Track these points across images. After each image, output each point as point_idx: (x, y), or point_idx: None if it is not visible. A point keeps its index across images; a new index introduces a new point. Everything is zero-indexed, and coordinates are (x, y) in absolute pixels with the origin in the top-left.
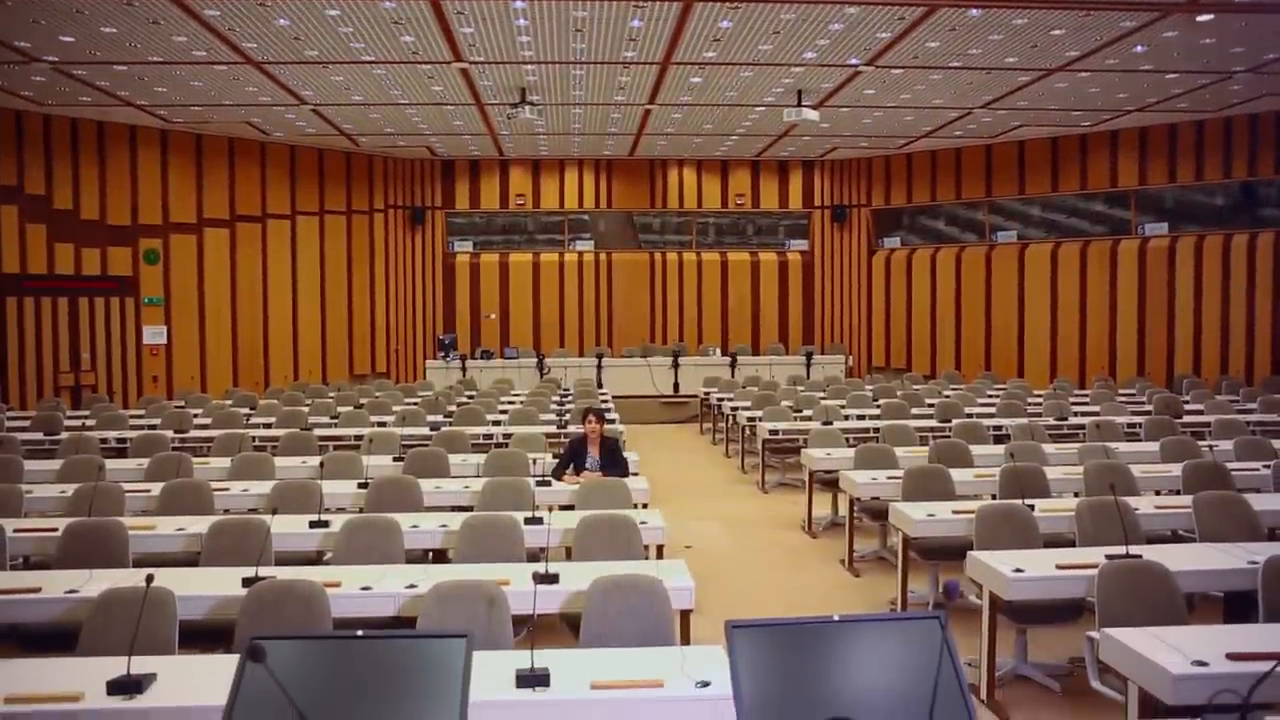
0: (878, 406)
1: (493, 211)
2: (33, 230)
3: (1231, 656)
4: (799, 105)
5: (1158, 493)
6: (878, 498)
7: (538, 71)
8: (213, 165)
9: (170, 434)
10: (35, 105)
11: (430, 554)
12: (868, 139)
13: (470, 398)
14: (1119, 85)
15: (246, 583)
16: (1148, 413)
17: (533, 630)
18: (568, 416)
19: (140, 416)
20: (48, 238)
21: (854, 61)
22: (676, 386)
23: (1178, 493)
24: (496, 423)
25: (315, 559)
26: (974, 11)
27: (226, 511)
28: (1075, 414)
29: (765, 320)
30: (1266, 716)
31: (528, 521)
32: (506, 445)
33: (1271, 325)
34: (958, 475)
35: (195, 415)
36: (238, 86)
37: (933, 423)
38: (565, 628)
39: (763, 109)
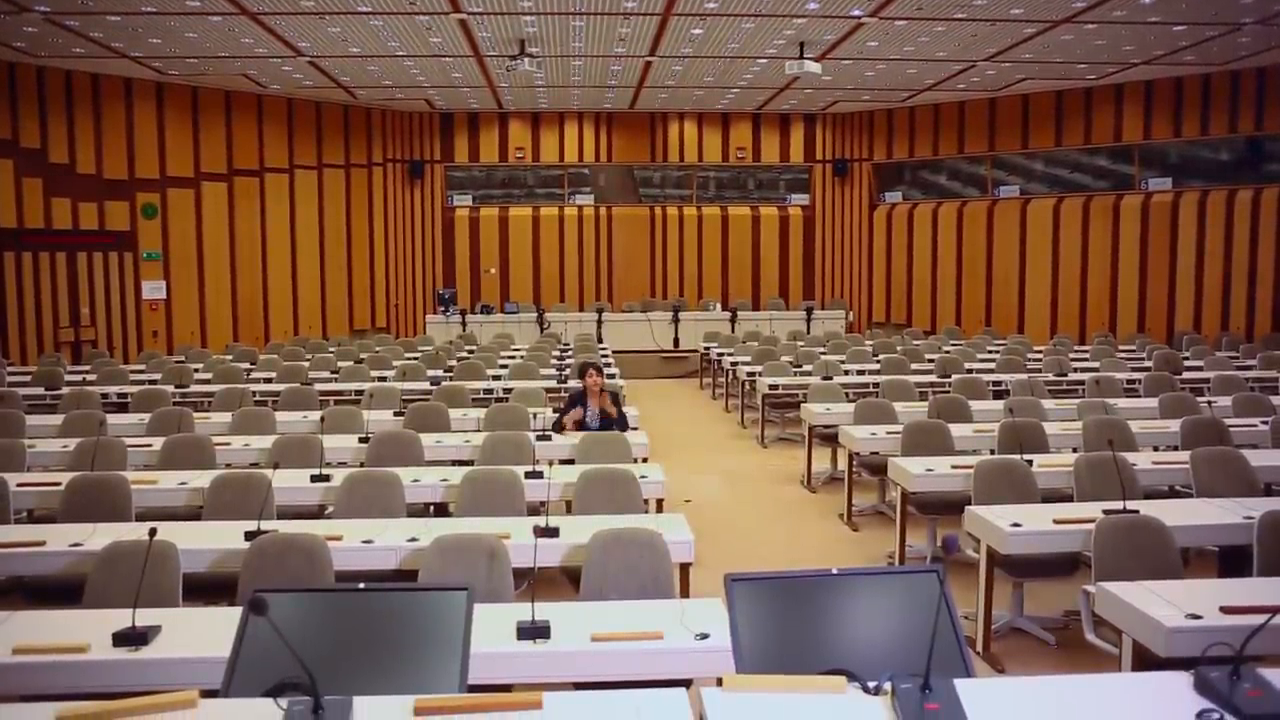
0: (878, 362)
1: (492, 165)
2: (29, 184)
3: (1225, 610)
4: (801, 58)
5: (1156, 448)
6: (877, 453)
7: (537, 22)
8: (209, 118)
9: (171, 389)
10: (29, 57)
11: (431, 508)
12: (870, 92)
13: (470, 352)
14: (1125, 37)
15: (249, 536)
16: (1147, 369)
17: (533, 583)
18: (568, 371)
19: (141, 372)
20: (44, 192)
21: (857, 13)
22: (676, 341)
23: (1176, 448)
24: (497, 377)
25: (317, 513)
26: None
27: (228, 466)
28: (1075, 370)
29: (766, 275)
30: (1259, 668)
31: (528, 475)
32: (507, 400)
33: (1273, 282)
34: (957, 430)
35: (195, 370)
36: (233, 38)
37: (932, 378)
38: (566, 581)
39: (764, 61)
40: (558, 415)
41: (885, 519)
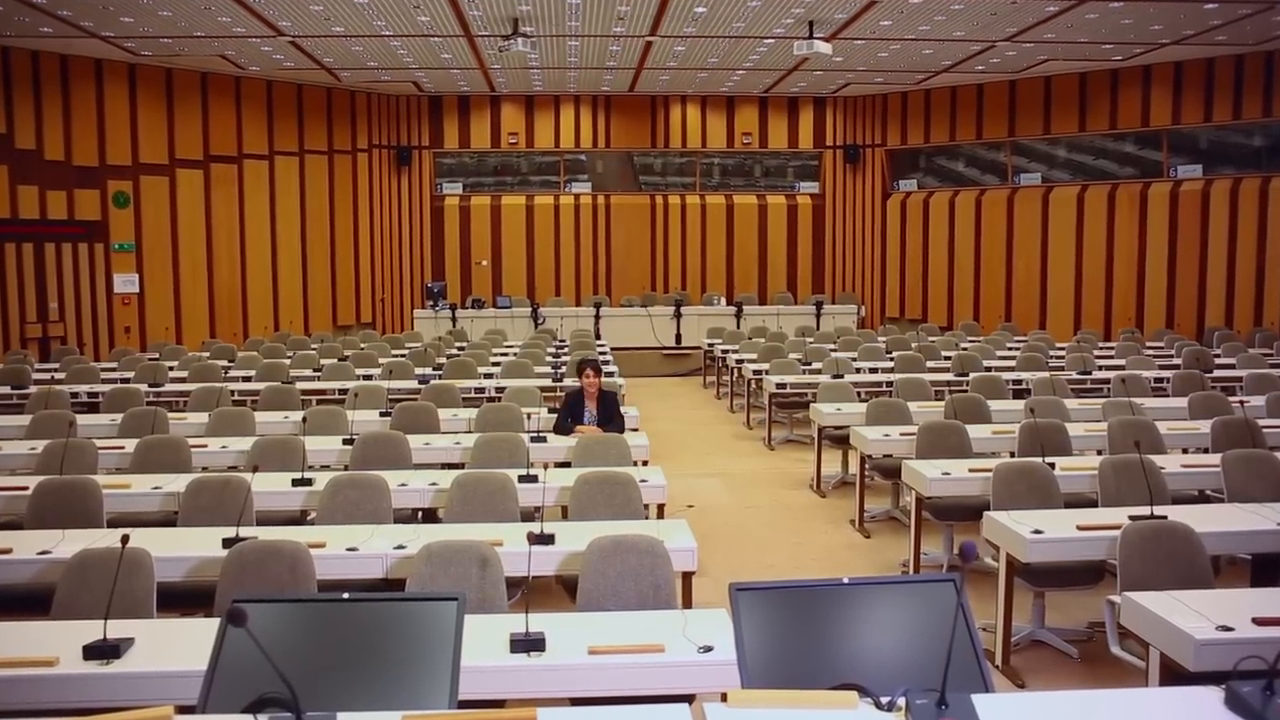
0: (891, 359)
1: (484, 151)
2: None
3: (1258, 621)
4: (810, 37)
5: (1185, 451)
6: (890, 455)
7: (531, 0)
8: (184, 102)
9: (144, 388)
10: None
11: (420, 513)
12: (883, 74)
13: (461, 349)
14: (1154, 16)
15: (227, 543)
16: (1176, 367)
17: (527, 593)
18: (563, 369)
19: (112, 369)
20: (10, 179)
21: None
22: (679, 338)
23: (1206, 451)
24: (489, 376)
25: (299, 518)
26: None
27: (205, 469)
28: (1100, 368)
29: (773, 268)
30: None
31: (522, 479)
32: (499, 399)
33: None
34: (974, 432)
35: (170, 368)
36: (209, 17)
37: (949, 376)
38: (562, 590)
39: (771, 41)
40: (557, 418)
41: (899, 525)
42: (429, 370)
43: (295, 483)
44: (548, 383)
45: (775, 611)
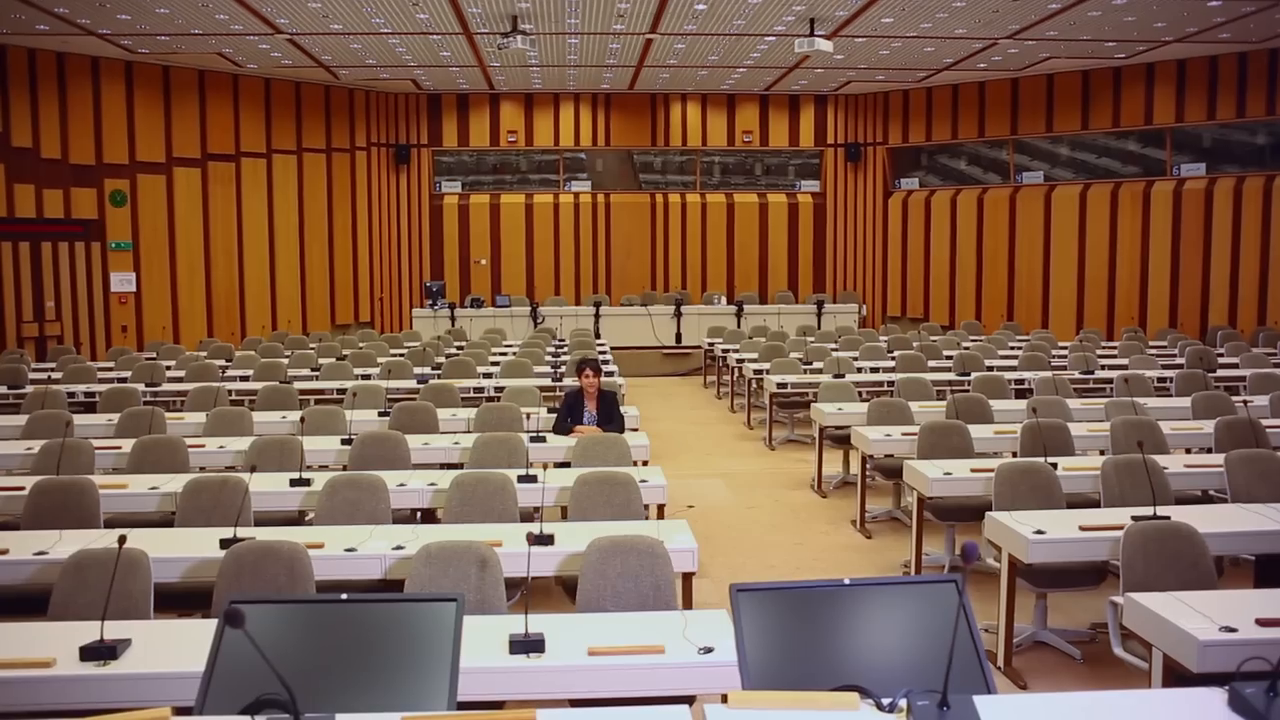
0: (893, 359)
1: (483, 150)
2: None
3: (1261, 622)
4: (811, 35)
5: (1188, 451)
6: (891, 455)
7: None
8: (182, 100)
9: (141, 388)
10: None
11: (418, 514)
12: (885, 72)
13: (460, 349)
14: (1157, 13)
15: (224, 544)
16: (1179, 366)
17: (527, 594)
18: (563, 369)
19: (109, 369)
20: (6, 178)
21: None
22: (679, 337)
23: (1209, 451)
24: (488, 375)
25: (296, 519)
26: None
27: (202, 469)
28: (1102, 367)
29: (774, 267)
30: None
31: (521, 479)
32: (498, 399)
33: None
34: (976, 432)
35: (167, 367)
36: (207, 14)
37: (951, 376)
38: (561, 591)
39: (772, 39)
40: (556, 418)
41: (900, 526)
42: (428, 370)
43: (293, 483)
44: (547, 382)
45: (776, 612)
